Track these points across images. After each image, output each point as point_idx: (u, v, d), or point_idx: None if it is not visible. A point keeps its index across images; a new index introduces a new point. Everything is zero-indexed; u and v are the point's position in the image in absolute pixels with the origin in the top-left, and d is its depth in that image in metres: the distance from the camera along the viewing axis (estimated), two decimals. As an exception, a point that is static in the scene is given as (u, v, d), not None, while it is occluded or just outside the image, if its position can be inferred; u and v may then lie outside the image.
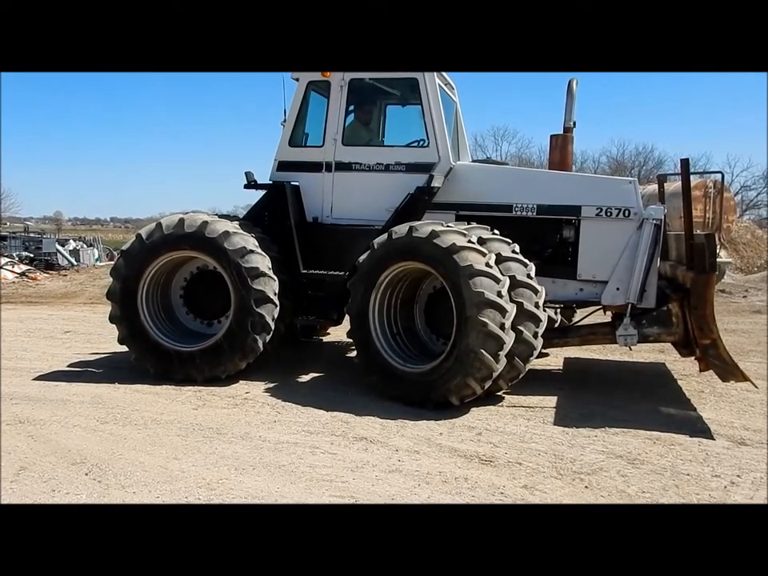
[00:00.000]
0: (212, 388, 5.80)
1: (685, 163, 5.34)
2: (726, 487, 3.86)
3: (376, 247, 5.55)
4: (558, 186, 6.13)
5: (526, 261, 5.50)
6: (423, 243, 5.27)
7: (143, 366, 6.18)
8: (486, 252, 5.23)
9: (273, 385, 5.97)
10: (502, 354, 5.03)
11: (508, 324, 5.02)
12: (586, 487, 3.83)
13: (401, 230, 5.48)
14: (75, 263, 21.20)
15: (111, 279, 6.26)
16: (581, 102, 6.77)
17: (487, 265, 5.10)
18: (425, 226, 5.38)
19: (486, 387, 5.16)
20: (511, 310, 5.07)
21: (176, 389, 5.79)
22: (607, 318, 6.19)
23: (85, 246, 24.14)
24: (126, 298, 6.10)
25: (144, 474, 3.90)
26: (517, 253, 5.55)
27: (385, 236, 5.56)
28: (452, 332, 5.21)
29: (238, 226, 6.08)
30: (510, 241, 5.63)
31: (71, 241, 24.25)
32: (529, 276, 5.40)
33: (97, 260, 23.49)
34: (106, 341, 8.06)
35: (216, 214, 6.52)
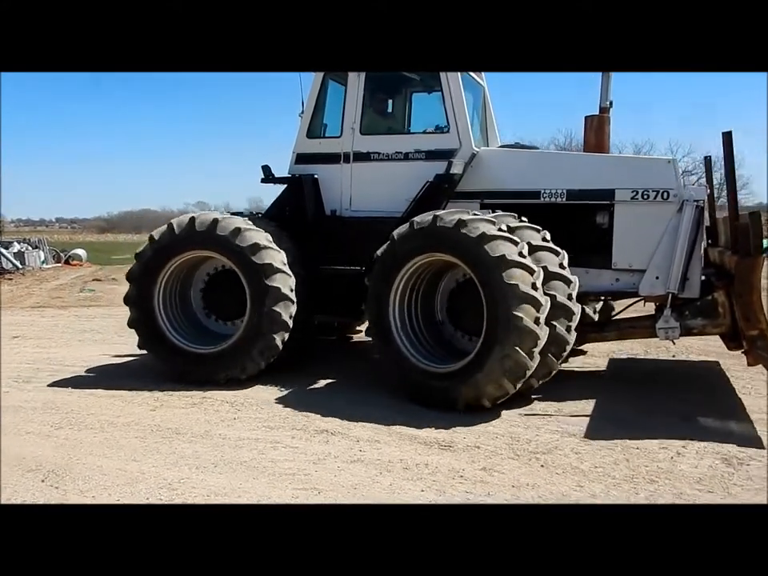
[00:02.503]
0: (168, 389, 5.72)
1: (728, 136, 4.80)
2: (672, 458, 4.05)
3: (396, 239, 5.20)
4: (589, 168, 5.69)
5: (558, 249, 5.15)
6: (450, 233, 4.89)
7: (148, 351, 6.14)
8: (519, 241, 4.87)
9: (233, 384, 5.88)
10: (537, 350, 4.67)
11: (543, 318, 4.67)
12: (542, 466, 3.97)
13: (423, 219, 5.10)
14: (20, 266, 20.46)
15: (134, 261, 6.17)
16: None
17: (520, 255, 4.76)
18: (451, 215, 5.01)
19: (518, 387, 4.80)
20: (545, 303, 4.73)
21: (132, 391, 5.68)
22: (649, 310, 5.73)
23: (30, 248, 23.24)
24: (143, 285, 5.99)
25: (103, 477, 3.82)
26: (547, 241, 5.20)
27: (406, 226, 5.19)
28: (481, 328, 4.83)
29: (270, 240, 5.80)
30: (540, 228, 5.27)
31: (15, 243, 23.36)
32: (561, 266, 5.06)
33: (43, 262, 22.72)
34: (57, 345, 7.89)
35: (243, 214, 6.33)
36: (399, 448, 4.29)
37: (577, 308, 5.04)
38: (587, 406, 5.18)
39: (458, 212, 5.11)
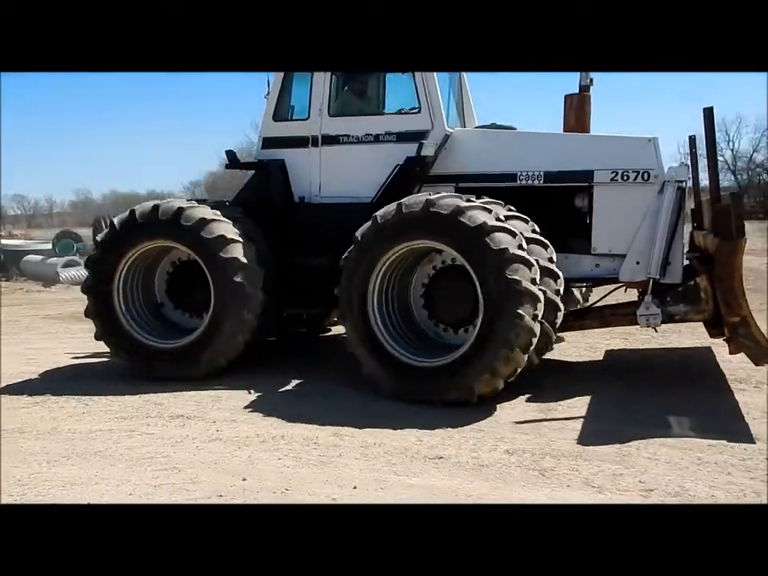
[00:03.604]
0: (5, 391, 5.41)
1: (709, 113, 4.59)
2: (496, 409, 4.65)
3: (380, 221, 4.84)
4: (566, 149, 5.43)
5: (546, 242, 4.92)
6: (446, 220, 4.61)
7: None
8: (516, 232, 4.63)
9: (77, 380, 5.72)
10: (532, 348, 4.55)
11: (540, 315, 4.52)
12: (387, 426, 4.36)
13: (414, 201, 4.77)
14: None
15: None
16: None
17: (520, 248, 4.54)
18: (445, 199, 4.73)
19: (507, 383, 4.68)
20: (542, 298, 4.54)
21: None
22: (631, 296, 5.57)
23: None
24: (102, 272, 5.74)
25: (-61, 484, 3.64)
26: (537, 233, 4.97)
27: (392, 208, 4.83)
28: (476, 322, 4.67)
29: (238, 232, 5.51)
30: (528, 219, 5.05)
31: None
32: (550, 260, 4.83)
33: None
34: None
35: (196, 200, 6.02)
36: (255, 425, 4.46)
37: (562, 305, 4.92)
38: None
39: (451, 196, 4.86)
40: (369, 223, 4.90)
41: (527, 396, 4.96)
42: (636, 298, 5.34)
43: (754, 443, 3.94)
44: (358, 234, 4.94)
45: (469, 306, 4.87)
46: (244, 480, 3.56)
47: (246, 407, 4.84)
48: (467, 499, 3.30)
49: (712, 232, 4.78)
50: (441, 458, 3.83)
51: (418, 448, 3.99)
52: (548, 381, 5.34)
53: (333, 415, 4.60)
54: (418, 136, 5.55)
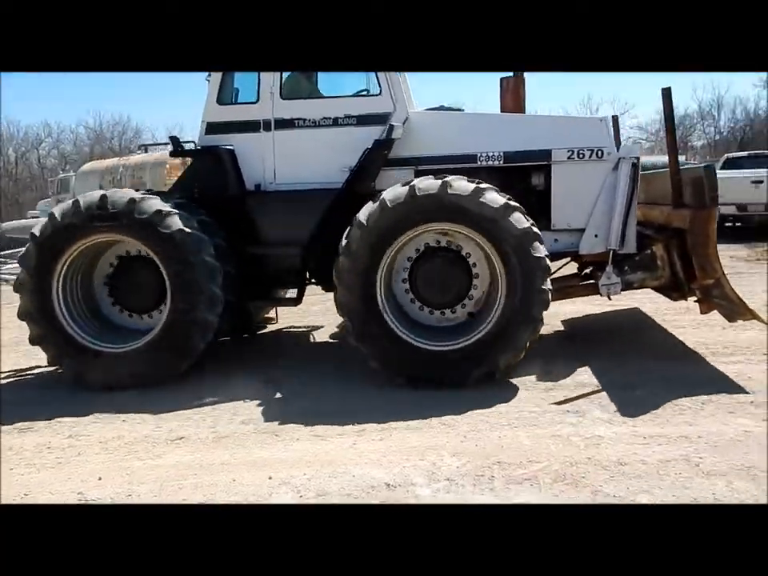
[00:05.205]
0: None
1: (667, 92, 4.97)
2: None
3: (390, 205, 4.76)
4: (524, 129, 5.59)
5: (522, 208, 5.05)
6: (467, 203, 4.70)
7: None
8: (524, 210, 4.83)
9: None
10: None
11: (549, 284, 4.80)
12: (123, 421, 4.45)
13: (428, 185, 4.78)
14: None
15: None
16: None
17: (534, 226, 4.78)
18: (459, 181, 4.79)
19: None
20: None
21: None
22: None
23: None
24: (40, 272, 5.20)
25: None
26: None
27: (402, 191, 4.79)
28: (495, 299, 4.82)
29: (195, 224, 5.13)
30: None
31: None
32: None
33: None
34: None
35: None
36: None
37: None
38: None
39: (462, 179, 4.89)
40: (376, 205, 4.87)
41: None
42: (576, 270, 5.96)
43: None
44: (386, 198, 4.85)
45: (464, 283, 5.09)
46: (-25, 496, 3.38)
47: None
48: (210, 468, 3.60)
49: (674, 205, 5.23)
50: (182, 438, 4.11)
51: (159, 434, 4.20)
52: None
53: (64, 420, 4.55)
54: (379, 119, 5.54)
